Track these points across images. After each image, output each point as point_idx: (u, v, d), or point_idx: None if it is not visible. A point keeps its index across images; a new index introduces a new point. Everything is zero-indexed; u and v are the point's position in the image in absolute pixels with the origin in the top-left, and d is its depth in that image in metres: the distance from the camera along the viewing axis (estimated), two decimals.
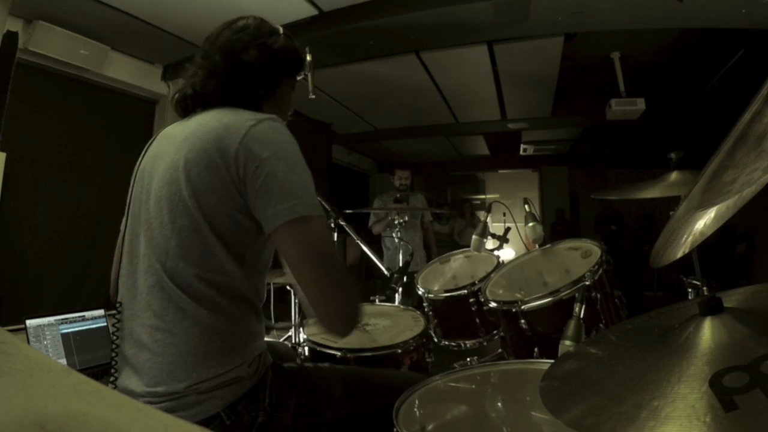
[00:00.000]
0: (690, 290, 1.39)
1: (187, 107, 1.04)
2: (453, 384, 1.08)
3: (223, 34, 1.02)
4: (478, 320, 1.84)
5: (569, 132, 6.77)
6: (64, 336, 1.70)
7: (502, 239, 2.02)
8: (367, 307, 1.82)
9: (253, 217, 0.90)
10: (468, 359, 1.77)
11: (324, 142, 4.50)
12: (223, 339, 0.91)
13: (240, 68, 0.99)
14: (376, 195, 4.87)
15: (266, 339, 1.07)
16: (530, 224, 1.82)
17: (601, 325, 1.42)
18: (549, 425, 0.86)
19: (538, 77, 4.34)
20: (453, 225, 7.36)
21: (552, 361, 0.78)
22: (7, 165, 2.62)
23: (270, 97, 1.06)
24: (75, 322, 1.74)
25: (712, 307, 0.59)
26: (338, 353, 1.38)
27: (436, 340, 1.91)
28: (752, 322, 0.55)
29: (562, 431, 0.62)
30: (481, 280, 1.81)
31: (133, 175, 1.05)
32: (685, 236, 0.74)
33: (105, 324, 1.80)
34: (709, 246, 4.12)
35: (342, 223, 1.97)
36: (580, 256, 1.61)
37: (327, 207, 1.87)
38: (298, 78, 1.14)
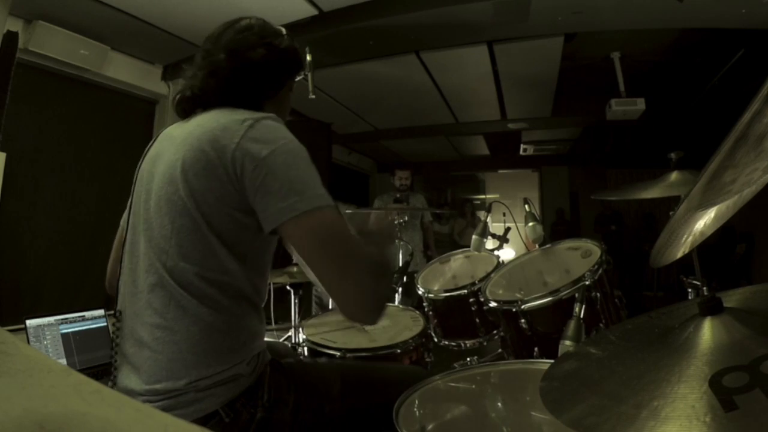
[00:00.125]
0: (690, 290, 1.39)
1: (186, 109, 1.04)
2: (453, 384, 1.08)
3: (225, 34, 1.01)
4: (478, 320, 1.84)
5: (569, 132, 6.76)
6: (64, 336, 1.70)
7: (502, 239, 2.02)
8: None
9: (254, 215, 0.89)
10: (468, 359, 1.78)
11: (324, 142, 4.51)
12: (223, 337, 0.91)
13: (244, 67, 0.99)
14: (376, 195, 4.87)
15: (266, 339, 1.07)
16: (530, 224, 1.83)
17: (601, 325, 1.42)
18: (549, 425, 0.86)
19: (538, 77, 4.33)
20: (453, 225, 7.35)
21: (552, 361, 0.78)
22: (7, 165, 2.62)
23: (273, 97, 1.06)
24: (75, 322, 1.74)
25: (712, 307, 0.59)
26: (338, 353, 1.38)
27: (436, 339, 1.92)
28: (752, 322, 0.55)
29: (562, 431, 0.62)
30: (481, 280, 1.81)
31: (135, 175, 1.05)
32: (685, 236, 0.74)
33: (105, 324, 1.79)
34: (709, 246, 4.12)
35: None
36: (580, 256, 1.61)
37: None
38: (297, 78, 1.14)
